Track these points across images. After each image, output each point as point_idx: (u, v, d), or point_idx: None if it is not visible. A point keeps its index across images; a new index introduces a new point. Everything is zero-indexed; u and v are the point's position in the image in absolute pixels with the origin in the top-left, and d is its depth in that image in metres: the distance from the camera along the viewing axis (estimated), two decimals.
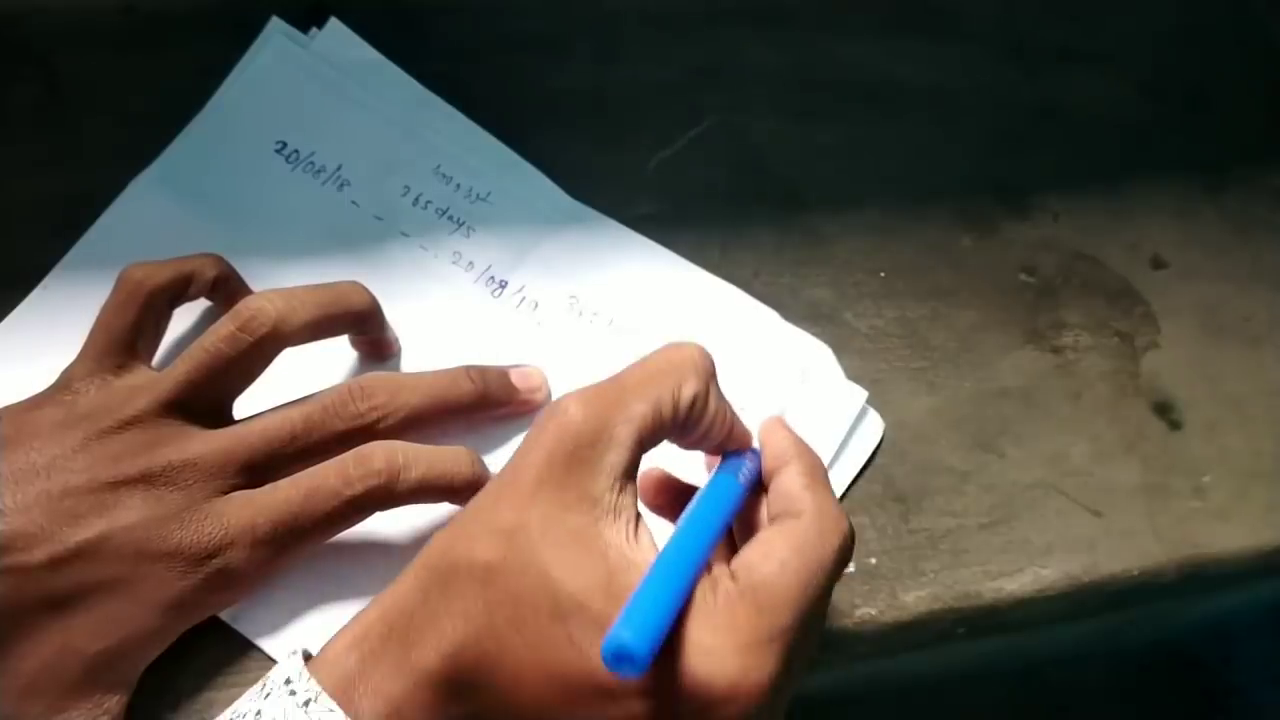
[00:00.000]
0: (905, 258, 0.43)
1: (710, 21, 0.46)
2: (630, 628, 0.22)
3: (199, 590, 0.29)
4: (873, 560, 0.37)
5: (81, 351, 0.32)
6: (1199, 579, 0.39)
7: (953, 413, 0.40)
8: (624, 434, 0.26)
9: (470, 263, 0.39)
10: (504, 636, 0.24)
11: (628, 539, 0.26)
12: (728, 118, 0.44)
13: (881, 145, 0.45)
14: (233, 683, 0.31)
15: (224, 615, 0.31)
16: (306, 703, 0.24)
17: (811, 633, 0.26)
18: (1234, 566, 0.40)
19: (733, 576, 0.25)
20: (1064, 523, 0.39)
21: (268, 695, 0.25)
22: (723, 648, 0.24)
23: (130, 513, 0.28)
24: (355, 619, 0.26)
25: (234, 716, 0.25)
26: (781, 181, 0.43)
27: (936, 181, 0.45)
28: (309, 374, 0.35)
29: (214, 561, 0.29)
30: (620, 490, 0.26)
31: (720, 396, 0.29)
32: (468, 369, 0.35)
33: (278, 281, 0.34)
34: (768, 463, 0.29)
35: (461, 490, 0.31)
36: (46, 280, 0.36)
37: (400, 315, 0.37)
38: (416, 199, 0.40)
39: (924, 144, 0.45)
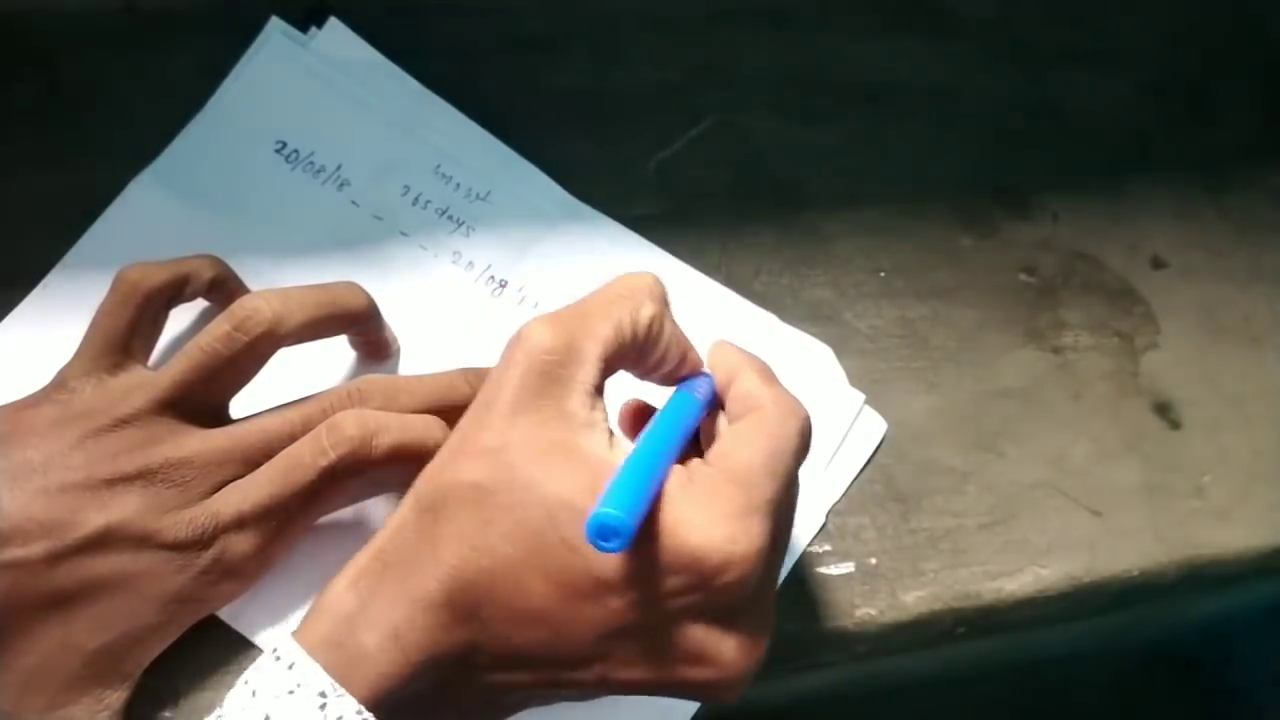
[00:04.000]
0: (905, 258, 0.43)
1: (710, 22, 0.46)
2: (610, 503, 0.22)
3: (197, 583, 0.29)
4: (873, 560, 0.37)
5: (77, 351, 0.31)
6: (1199, 579, 0.39)
7: (953, 413, 0.40)
8: (591, 352, 0.27)
9: (470, 262, 0.39)
10: (500, 551, 0.25)
11: (605, 448, 0.26)
12: (728, 118, 0.44)
13: (881, 145, 0.45)
14: (232, 683, 0.31)
15: (223, 614, 0.31)
16: (292, 665, 0.25)
17: (787, 514, 0.27)
18: (1234, 566, 0.40)
19: (707, 464, 0.26)
20: (1064, 523, 0.39)
21: (258, 669, 0.25)
22: (710, 519, 0.24)
23: (128, 509, 0.29)
24: (350, 563, 0.26)
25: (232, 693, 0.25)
26: (781, 181, 0.43)
27: (936, 181, 0.45)
28: (308, 374, 0.35)
29: (208, 553, 0.29)
30: (592, 406, 0.27)
31: (674, 323, 0.30)
32: (465, 371, 0.35)
33: (277, 281, 0.34)
34: (720, 377, 0.30)
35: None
36: (46, 280, 0.36)
37: (400, 315, 0.37)
38: (416, 199, 0.40)
39: (924, 144, 0.45)
